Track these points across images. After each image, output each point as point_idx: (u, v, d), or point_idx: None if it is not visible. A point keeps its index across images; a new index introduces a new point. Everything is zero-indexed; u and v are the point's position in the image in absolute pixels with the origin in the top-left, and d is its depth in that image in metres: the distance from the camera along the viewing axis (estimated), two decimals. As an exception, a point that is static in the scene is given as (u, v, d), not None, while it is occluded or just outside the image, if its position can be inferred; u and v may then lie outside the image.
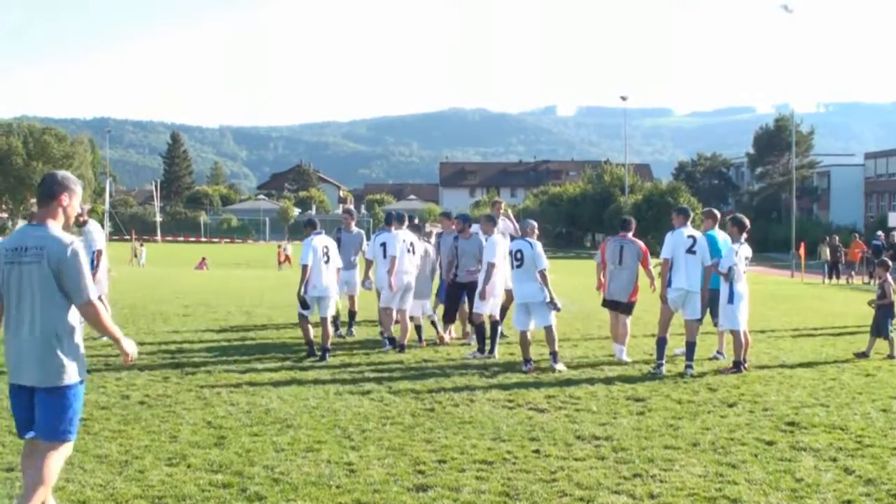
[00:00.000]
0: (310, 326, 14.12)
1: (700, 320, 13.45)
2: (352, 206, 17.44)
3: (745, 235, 13.65)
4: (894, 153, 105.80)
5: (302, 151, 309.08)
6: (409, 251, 15.12)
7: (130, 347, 6.36)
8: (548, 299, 13.33)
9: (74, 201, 6.18)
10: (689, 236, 13.34)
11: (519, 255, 13.39)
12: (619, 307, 14.37)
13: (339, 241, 15.72)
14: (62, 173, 6.18)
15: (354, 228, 16.96)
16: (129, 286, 27.03)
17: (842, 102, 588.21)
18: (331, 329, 14.32)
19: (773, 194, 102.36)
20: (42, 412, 5.97)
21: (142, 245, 58.71)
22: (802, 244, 49.56)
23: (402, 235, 15.17)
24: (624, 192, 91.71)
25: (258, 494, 6.99)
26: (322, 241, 14.22)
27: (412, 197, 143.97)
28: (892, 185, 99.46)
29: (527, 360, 13.17)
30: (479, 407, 10.32)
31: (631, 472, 7.78)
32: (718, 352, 14.47)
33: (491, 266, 14.16)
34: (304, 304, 13.91)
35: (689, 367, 12.96)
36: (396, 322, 15.01)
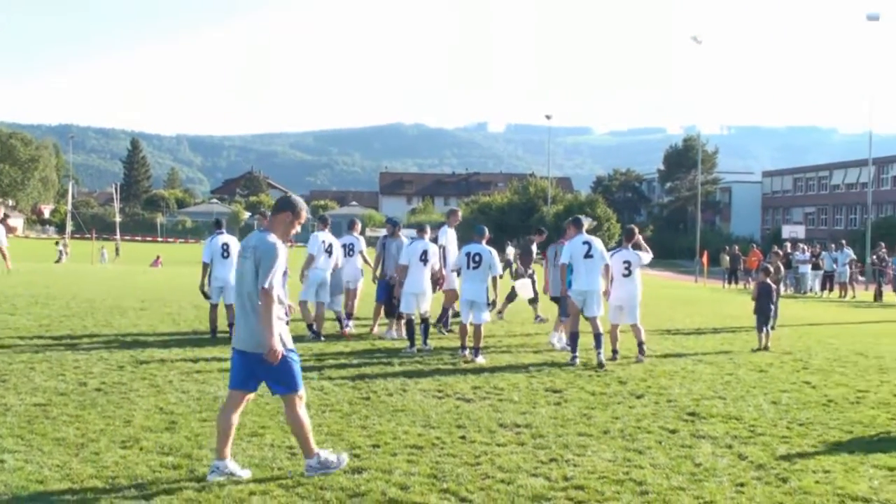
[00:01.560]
0: (217, 315, 14.99)
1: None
2: (266, 210, 17.34)
3: (632, 243, 14.22)
4: (788, 172, 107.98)
5: (253, 159, 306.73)
6: (326, 251, 15.24)
7: None
8: (490, 300, 13.71)
9: None
10: (585, 243, 13.66)
11: (477, 259, 13.59)
12: (559, 301, 14.93)
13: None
14: None
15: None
16: (88, 282, 26.64)
17: (743, 126, 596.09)
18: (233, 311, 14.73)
19: (680, 207, 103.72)
20: None
21: (103, 246, 57.89)
22: (706, 253, 50.26)
23: (322, 236, 15.33)
24: (547, 202, 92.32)
25: (206, 475, 6.91)
26: (223, 239, 15.11)
27: (354, 203, 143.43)
28: (786, 201, 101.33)
29: (463, 348, 13.51)
30: (411, 396, 10.32)
31: (548, 457, 7.82)
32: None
33: (402, 268, 14.60)
34: (206, 296, 15.10)
35: (575, 358, 13.30)
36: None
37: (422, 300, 14.49)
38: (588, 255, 13.50)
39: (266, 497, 6.47)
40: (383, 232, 17.37)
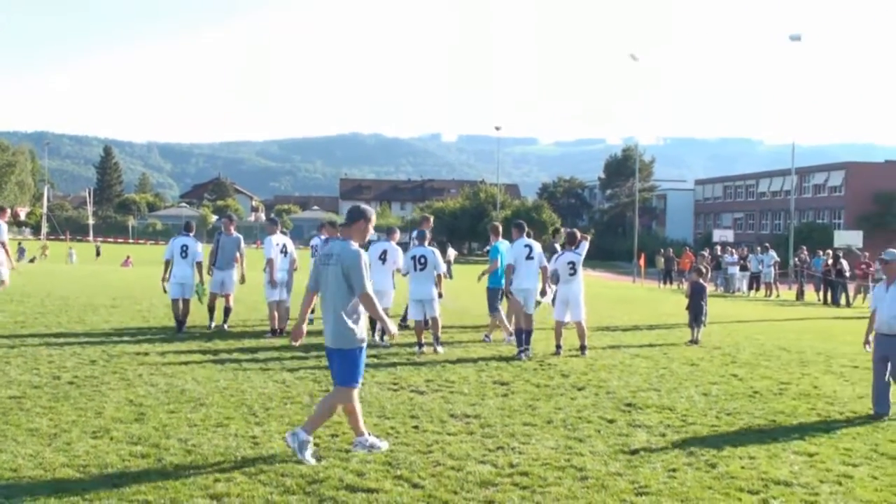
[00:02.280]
0: (178, 309, 15.23)
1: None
2: (232, 214, 17.17)
3: (576, 245, 14.35)
4: (718, 181, 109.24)
5: (220, 166, 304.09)
6: (282, 252, 15.20)
7: None
8: (439, 293, 13.80)
9: None
10: (526, 245, 13.87)
11: (423, 261, 13.69)
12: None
13: (217, 242, 15.69)
14: None
15: (234, 233, 15.98)
16: (62, 280, 26.27)
17: (677, 137, 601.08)
18: (189, 307, 15.44)
19: (619, 212, 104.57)
20: None
21: (71, 247, 57.08)
22: (643, 255, 50.72)
23: (276, 239, 15.18)
24: (496, 207, 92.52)
25: (173, 464, 6.86)
26: (183, 240, 15.35)
27: (315, 207, 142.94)
28: (717, 207, 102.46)
29: (420, 345, 13.55)
30: (368, 389, 10.29)
31: (495, 445, 7.84)
32: (487, 335, 15.50)
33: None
34: (165, 290, 15.30)
35: (523, 350, 13.39)
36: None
37: (382, 298, 14.50)
38: (529, 257, 13.73)
39: (230, 483, 6.42)
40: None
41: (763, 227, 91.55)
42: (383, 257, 14.46)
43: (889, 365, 9.79)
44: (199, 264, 15.46)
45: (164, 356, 12.18)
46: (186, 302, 15.25)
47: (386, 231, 15.61)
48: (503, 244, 15.22)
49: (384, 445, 7.51)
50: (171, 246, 15.45)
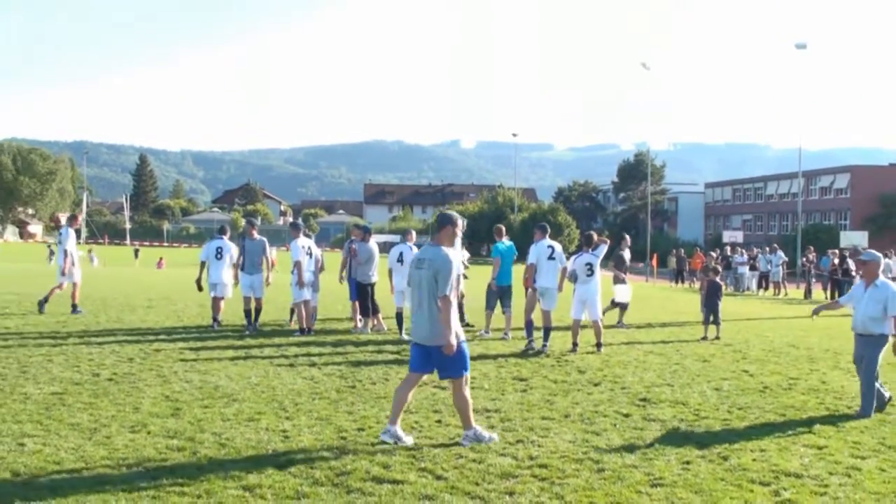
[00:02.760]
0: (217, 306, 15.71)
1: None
2: (253, 218, 17.25)
3: (593, 247, 14.25)
4: (727, 184, 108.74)
5: (250, 172, 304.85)
6: (307, 254, 15.22)
7: None
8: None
9: None
10: (549, 246, 14.04)
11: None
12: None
13: (243, 247, 15.60)
14: None
15: (257, 236, 15.68)
16: (101, 282, 26.44)
17: (688, 142, 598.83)
18: (222, 304, 15.87)
19: (632, 215, 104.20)
20: None
21: (90, 249, 57.25)
22: (655, 255, 50.62)
23: (301, 242, 15.18)
24: (514, 210, 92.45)
25: (207, 457, 6.88)
26: (217, 243, 15.75)
27: (341, 212, 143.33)
28: (726, 209, 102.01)
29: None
30: (393, 385, 10.27)
31: (515, 439, 7.82)
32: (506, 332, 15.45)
33: (388, 270, 15.48)
34: (199, 287, 15.66)
35: (545, 346, 13.60)
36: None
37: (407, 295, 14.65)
38: (551, 258, 13.92)
39: (261, 475, 6.43)
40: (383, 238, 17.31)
41: (771, 228, 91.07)
42: (401, 259, 14.91)
43: (863, 364, 9.53)
44: (235, 265, 15.70)
45: (199, 354, 12.23)
46: (219, 300, 15.75)
47: (402, 233, 15.72)
48: (503, 244, 15.51)
49: (409, 440, 7.55)
50: (207, 248, 15.75)
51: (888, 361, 13.82)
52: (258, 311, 15.59)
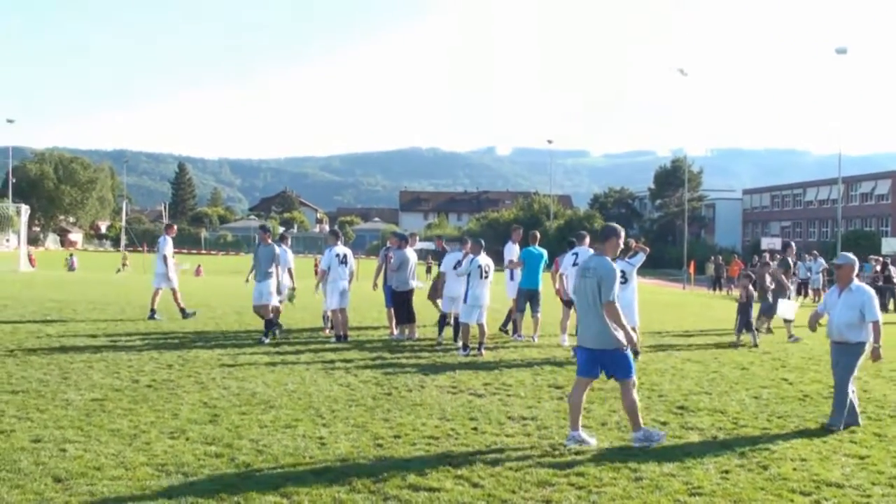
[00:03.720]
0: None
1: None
2: (267, 224, 17.56)
3: (630, 255, 14.23)
4: (765, 190, 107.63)
5: (286, 180, 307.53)
6: (342, 262, 15.28)
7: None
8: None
9: None
10: (573, 253, 14.63)
11: (487, 269, 14.13)
12: (565, 303, 15.32)
13: (255, 255, 15.66)
14: None
15: (270, 243, 15.39)
16: (140, 289, 26.71)
17: (725, 148, 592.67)
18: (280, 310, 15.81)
19: (669, 221, 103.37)
20: None
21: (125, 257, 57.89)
22: (692, 262, 50.19)
23: (336, 249, 15.34)
24: (549, 217, 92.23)
25: (245, 463, 6.93)
26: (337, 249, 15.71)
27: (377, 219, 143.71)
28: (764, 216, 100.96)
29: (465, 347, 13.76)
30: (428, 392, 10.30)
31: (551, 446, 7.79)
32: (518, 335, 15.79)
33: (440, 274, 15.39)
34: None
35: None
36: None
37: (457, 303, 14.74)
38: (574, 264, 14.15)
39: (299, 482, 6.46)
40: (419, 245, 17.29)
41: (810, 234, 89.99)
42: (457, 266, 14.81)
43: (836, 371, 9.20)
44: (290, 270, 16.05)
45: (236, 360, 12.32)
46: (276, 306, 15.79)
47: (460, 242, 15.65)
48: (534, 249, 15.94)
49: (593, 441, 7.89)
50: (329, 256, 15.68)
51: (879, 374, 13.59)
52: (267, 322, 15.02)
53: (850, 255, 9.62)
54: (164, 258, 17.89)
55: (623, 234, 8.28)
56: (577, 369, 8.25)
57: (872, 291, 9.28)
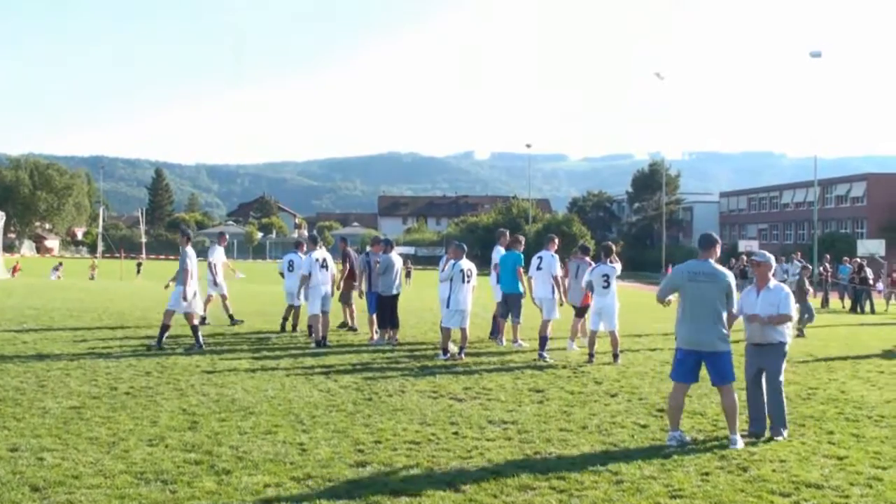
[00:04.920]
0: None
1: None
2: (186, 227, 17.51)
3: (610, 258, 14.30)
4: (742, 193, 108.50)
5: (264, 185, 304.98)
6: (323, 267, 15.29)
7: None
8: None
9: None
10: (537, 257, 14.80)
11: (470, 273, 14.07)
12: (577, 310, 15.46)
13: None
14: None
15: (188, 248, 14.83)
16: (117, 296, 26.56)
17: (702, 151, 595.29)
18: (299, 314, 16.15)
19: (647, 225, 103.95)
20: None
21: (94, 266, 57.34)
22: (670, 265, 50.36)
23: (316, 254, 15.37)
24: (528, 221, 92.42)
25: (225, 470, 6.89)
26: (290, 257, 16.44)
27: (356, 224, 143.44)
28: (741, 219, 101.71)
29: (445, 351, 13.77)
30: (409, 397, 10.29)
31: (532, 451, 7.80)
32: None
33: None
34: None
35: (540, 355, 13.91)
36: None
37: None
38: (538, 268, 14.73)
39: (279, 489, 6.44)
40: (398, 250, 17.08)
41: (787, 237, 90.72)
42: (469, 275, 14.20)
43: (764, 376, 8.89)
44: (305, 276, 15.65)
45: (215, 367, 12.25)
46: (297, 309, 16.31)
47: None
48: (508, 252, 15.73)
49: (687, 439, 8.23)
50: (309, 260, 15.72)
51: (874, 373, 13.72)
52: (192, 328, 14.46)
53: (768, 253, 9.52)
54: (211, 266, 18.08)
55: (719, 241, 8.73)
56: (675, 372, 8.52)
57: (789, 290, 9.20)
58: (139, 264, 60.79)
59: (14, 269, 48.57)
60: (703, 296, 8.20)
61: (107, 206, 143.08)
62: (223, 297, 18.30)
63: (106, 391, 10.15)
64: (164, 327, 14.54)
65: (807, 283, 19.74)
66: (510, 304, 15.44)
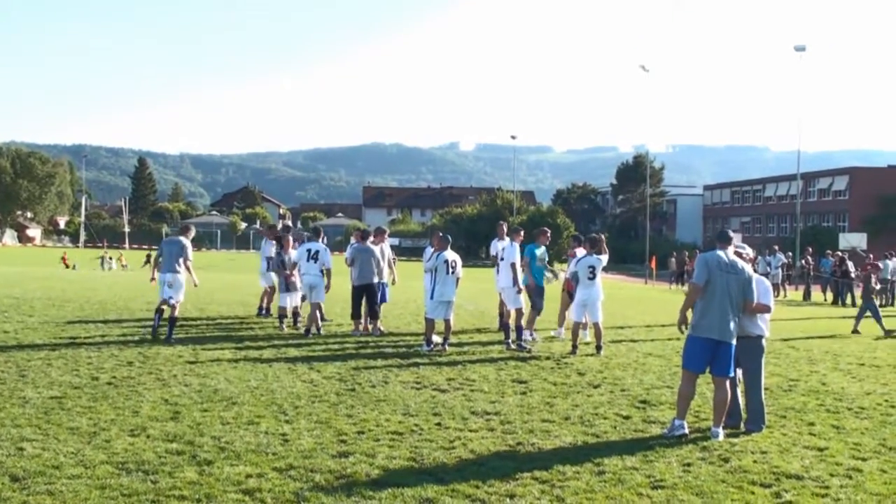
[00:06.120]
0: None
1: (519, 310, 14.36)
2: (189, 223, 17.23)
3: (595, 250, 14.35)
4: (725, 186, 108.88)
5: (249, 175, 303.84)
6: (312, 258, 15.40)
7: None
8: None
9: None
10: (502, 248, 14.84)
11: (454, 265, 13.90)
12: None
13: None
14: None
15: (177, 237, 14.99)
16: (100, 286, 26.41)
17: (686, 144, 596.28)
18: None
19: (631, 217, 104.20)
20: None
21: (106, 253, 57.35)
22: (654, 257, 50.59)
23: (308, 245, 15.58)
24: (512, 213, 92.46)
25: (206, 460, 6.87)
26: (308, 245, 15.68)
27: (340, 215, 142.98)
28: (725, 211, 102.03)
29: (429, 342, 13.67)
30: (392, 388, 10.29)
31: (515, 441, 7.81)
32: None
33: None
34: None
35: (518, 344, 14.00)
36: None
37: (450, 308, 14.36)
38: (502, 258, 14.76)
39: (261, 479, 6.42)
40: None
41: (770, 230, 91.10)
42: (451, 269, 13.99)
43: (742, 371, 8.98)
44: (327, 270, 15.65)
45: (198, 357, 12.21)
46: (315, 306, 15.52)
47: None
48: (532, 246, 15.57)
49: (687, 430, 8.29)
50: (300, 251, 15.81)
51: (868, 361, 13.82)
52: (172, 320, 14.20)
53: (745, 245, 9.47)
54: (267, 259, 17.88)
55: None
56: (690, 362, 8.49)
57: (769, 283, 9.30)
58: (149, 256, 59.88)
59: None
60: (731, 287, 8.32)
61: (89, 196, 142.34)
62: (270, 290, 18.15)
63: (87, 381, 10.10)
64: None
65: (873, 280, 20.27)
66: (539, 295, 15.37)
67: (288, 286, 15.80)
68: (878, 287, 32.62)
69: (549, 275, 15.88)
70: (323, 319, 16.19)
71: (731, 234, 8.88)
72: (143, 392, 9.57)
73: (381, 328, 15.61)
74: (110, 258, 56.15)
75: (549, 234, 15.58)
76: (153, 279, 14.80)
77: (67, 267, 49.52)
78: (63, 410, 8.51)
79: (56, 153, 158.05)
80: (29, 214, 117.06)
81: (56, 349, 12.52)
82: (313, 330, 15.16)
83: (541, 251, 15.60)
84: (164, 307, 14.40)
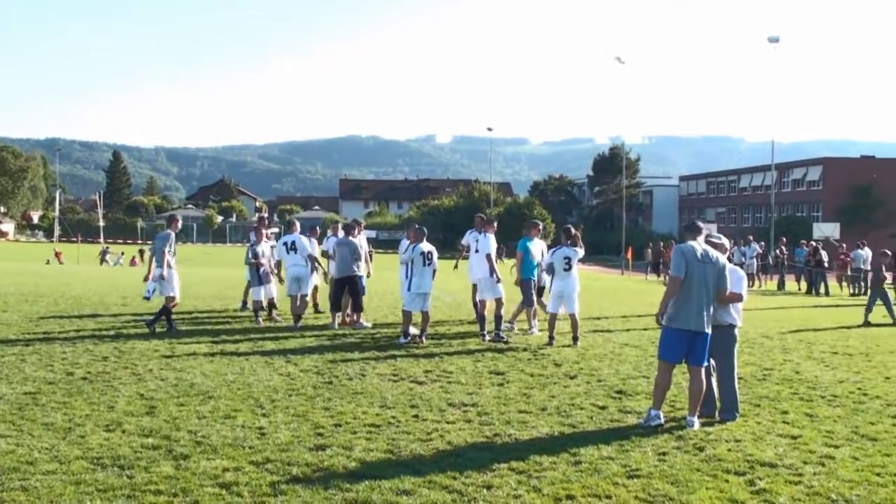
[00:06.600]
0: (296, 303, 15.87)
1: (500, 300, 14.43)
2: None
3: (569, 241, 14.30)
4: (701, 177, 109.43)
5: (224, 168, 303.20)
6: (291, 250, 15.78)
7: None
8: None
9: None
10: (475, 239, 15.01)
11: (430, 256, 13.99)
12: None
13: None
14: None
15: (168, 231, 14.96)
16: (74, 281, 26.19)
17: (662, 135, 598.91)
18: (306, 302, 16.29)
19: (607, 208, 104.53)
20: None
21: (107, 247, 56.94)
22: (630, 248, 50.82)
23: (286, 237, 15.83)
24: (489, 205, 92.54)
25: (183, 454, 6.84)
26: (287, 238, 15.94)
27: (317, 207, 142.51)
28: (700, 202, 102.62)
29: (406, 334, 13.70)
30: (369, 380, 10.29)
31: (492, 433, 7.83)
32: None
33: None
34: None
35: (496, 335, 14.13)
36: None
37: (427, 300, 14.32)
38: (476, 250, 14.89)
39: (238, 473, 6.40)
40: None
41: (745, 220, 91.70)
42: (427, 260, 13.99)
43: (715, 359, 8.98)
44: (311, 257, 16.00)
45: (174, 351, 12.15)
46: (303, 297, 15.89)
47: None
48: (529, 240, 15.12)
49: (663, 420, 8.30)
50: (279, 247, 16.03)
51: (864, 350, 13.95)
52: (166, 310, 14.45)
53: (722, 236, 9.47)
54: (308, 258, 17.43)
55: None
56: (667, 353, 8.48)
57: (743, 273, 9.37)
58: (141, 251, 59.27)
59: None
60: (707, 277, 8.36)
61: (63, 190, 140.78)
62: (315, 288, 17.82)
63: (62, 376, 10.03)
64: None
65: (883, 270, 20.54)
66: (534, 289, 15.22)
67: (261, 279, 15.75)
68: (850, 275, 33.00)
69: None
70: (318, 311, 16.21)
71: (701, 224, 8.87)
72: (118, 387, 9.51)
73: (364, 322, 15.55)
74: (114, 252, 55.72)
75: (541, 228, 15.54)
76: (147, 278, 14.77)
77: (62, 264, 49.15)
78: (37, 406, 8.44)
79: (29, 147, 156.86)
80: (2, 209, 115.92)
81: (30, 344, 12.42)
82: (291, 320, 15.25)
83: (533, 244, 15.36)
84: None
